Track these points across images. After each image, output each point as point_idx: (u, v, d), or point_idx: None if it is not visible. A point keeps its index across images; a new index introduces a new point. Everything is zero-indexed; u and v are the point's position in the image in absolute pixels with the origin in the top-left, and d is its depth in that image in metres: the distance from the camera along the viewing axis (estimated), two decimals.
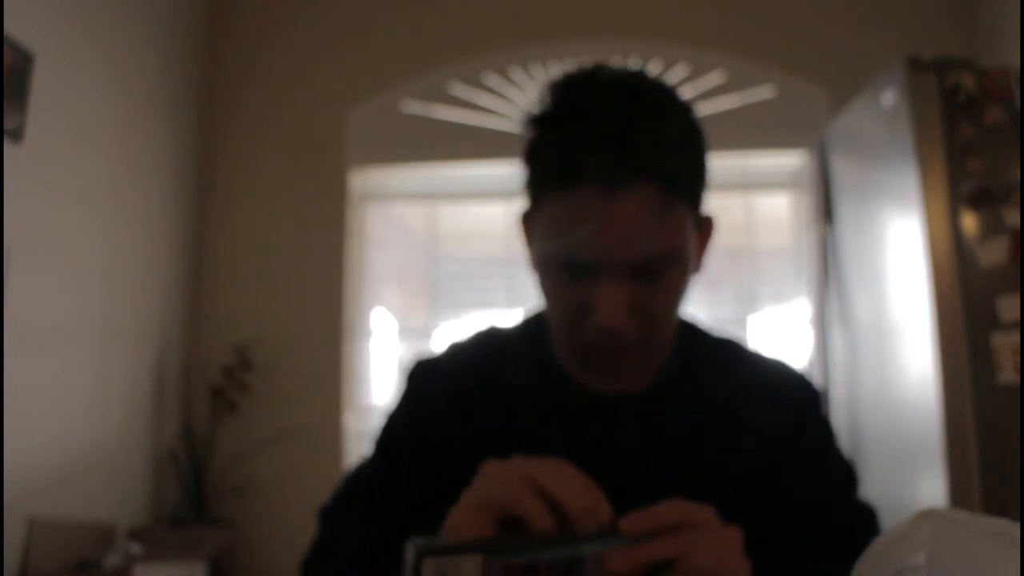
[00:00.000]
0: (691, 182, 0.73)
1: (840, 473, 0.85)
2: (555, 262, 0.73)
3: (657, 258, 0.70)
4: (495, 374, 0.85)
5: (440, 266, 3.04)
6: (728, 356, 0.88)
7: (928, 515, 0.55)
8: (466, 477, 0.74)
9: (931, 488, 1.80)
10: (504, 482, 0.58)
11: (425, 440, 0.82)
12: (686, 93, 0.77)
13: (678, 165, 0.70)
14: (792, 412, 0.85)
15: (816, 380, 0.90)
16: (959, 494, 1.72)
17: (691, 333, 0.88)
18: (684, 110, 0.73)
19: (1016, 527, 0.52)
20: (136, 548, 2.33)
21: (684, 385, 0.83)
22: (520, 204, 0.80)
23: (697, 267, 0.79)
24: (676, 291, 0.75)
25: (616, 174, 0.67)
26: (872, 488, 2.26)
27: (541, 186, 0.72)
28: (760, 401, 0.84)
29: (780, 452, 0.82)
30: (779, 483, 0.81)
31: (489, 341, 0.89)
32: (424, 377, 0.87)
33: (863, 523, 0.83)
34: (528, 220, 0.79)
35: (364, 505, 0.81)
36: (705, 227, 0.80)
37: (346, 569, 0.75)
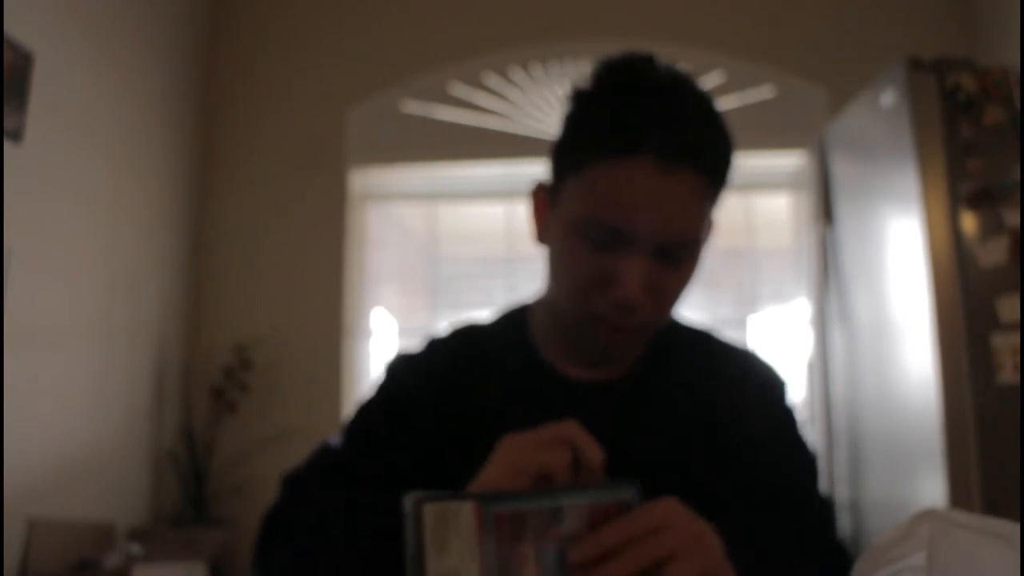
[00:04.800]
0: (723, 182, 0.77)
1: (800, 464, 0.86)
2: (586, 227, 0.73)
3: (685, 244, 0.74)
4: (473, 366, 0.86)
5: (440, 266, 3.04)
6: (700, 346, 0.90)
7: (928, 515, 0.55)
8: (441, 465, 0.77)
9: (931, 488, 1.80)
10: (534, 444, 0.63)
11: (394, 431, 0.84)
12: None
13: (720, 162, 0.75)
14: (757, 401, 0.87)
15: (783, 370, 0.92)
16: (959, 494, 1.72)
17: (667, 323, 0.90)
18: (724, 117, 0.78)
19: (1016, 527, 0.52)
20: (136, 548, 2.33)
21: (658, 374, 0.86)
22: (534, 184, 0.83)
23: (697, 262, 0.82)
24: (688, 279, 0.77)
25: (671, 153, 0.69)
26: (872, 488, 2.27)
27: (586, 153, 0.73)
28: (728, 390, 0.86)
29: (745, 440, 0.83)
30: (742, 471, 0.82)
31: (468, 335, 0.91)
32: (402, 371, 0.89)
33: (819, 515, 0.84)
34: (548, 191, 0.80)
35: (327, 478, 0.82)
36: (708, 228, 0.83)
37: (304, 532, 0.76)
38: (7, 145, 2.10)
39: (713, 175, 0.74)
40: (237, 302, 3.00)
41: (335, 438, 0.87)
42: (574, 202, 0.75)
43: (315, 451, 0.87)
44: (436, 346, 0.90)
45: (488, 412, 0.83)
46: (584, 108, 0.76)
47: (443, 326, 0.93)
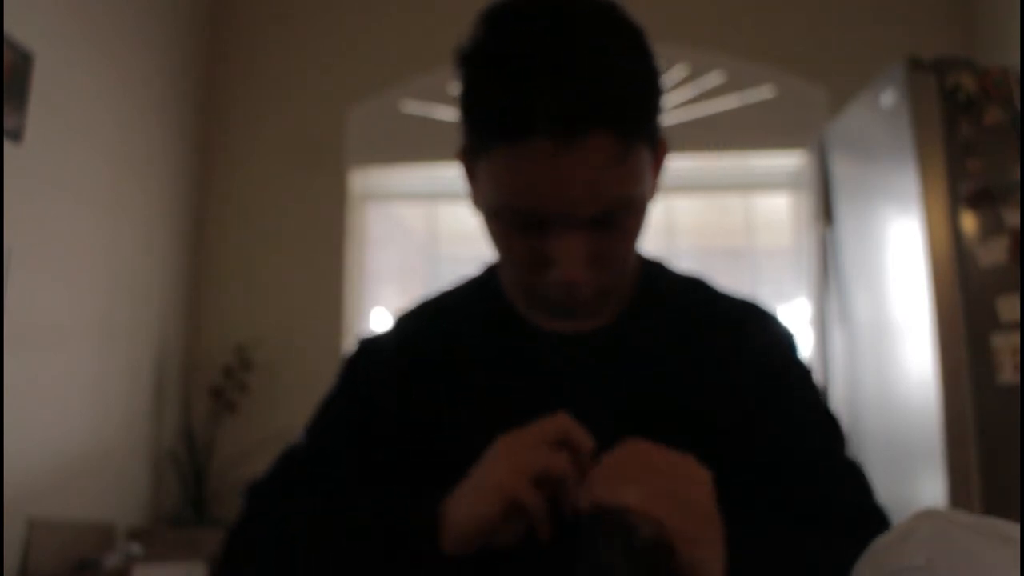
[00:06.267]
0: (648, 118, 0.66)
1: (816, 426, 0.79)
2: (505, 216, 0.68)
3: (616, 206, 0.66)
4: (444, 331, 0.82)
5: (440, 266, 3.04)
6: (694, 293, 0.84)
7: (928, 515, 0.55)
8: (424, 440, 0.74)
9: (931, 488, 1.80)
10: (531, 444, 0.62)
11: (359, 421, 0.80)
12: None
13: (636, 104, 0.64)
14: (766, 354, 0.80)
15: (789, 323, 0.85)
16: (959, 494, 1.72)
17: (655, 271, 0.84)
18: (634, 35, 0.67)
19: (1016, 527, 0.52)
20: (136, 548, 2.33)
21: (646, 320, 0.79)
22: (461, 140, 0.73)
23: (652, 192, 0.73)
24: (635, 233, 0.71)
25: (570, 122, 0.61)
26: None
27: (486, 136, 0.65)
28: (729, 338, 0.79)
29: (753, 392, 0.77)
30: (752, 426, 0.76)
31: (437, 301, 0.87)
32: (361, 358, 0.85)
33: (846, 481, 0.77)
34: (469, 157, 0.71)
35: (290, 487, 0.79)
36: (660, 150, 0.73)
37: (267, 549, 0.74)
38: (7, 145, 2.10)
39: (630, 124, 0.63)
40: (237, 302, 3.00)
41: (298, 441, 0.83)
42: (487, 188, 0.68)
43: (278, 457, 0.83)
44: (403, 320, 0.86)
45: (465, 374, 0.79)
46: (471, 79, 0.66)
47: (410, 301, 0.89)
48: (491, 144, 0.64)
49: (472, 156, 0.70)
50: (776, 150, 2.87)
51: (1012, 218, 1.81)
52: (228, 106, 3.14)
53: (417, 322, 0.85)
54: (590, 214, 0.65)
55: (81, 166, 2.44)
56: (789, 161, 2.87)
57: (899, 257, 1.99)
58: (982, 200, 1.83)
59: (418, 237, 3.15)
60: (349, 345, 0.88)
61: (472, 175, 0.73)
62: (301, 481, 0.79)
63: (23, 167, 2.15)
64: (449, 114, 2.98)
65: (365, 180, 3.09)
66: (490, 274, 0.86)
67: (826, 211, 2.42)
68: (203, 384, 2.87)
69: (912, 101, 1.90)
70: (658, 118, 0.68)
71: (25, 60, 2.17)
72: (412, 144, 3.00)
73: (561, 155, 0.61)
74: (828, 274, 2.43)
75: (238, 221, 3.06)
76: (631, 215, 0.68)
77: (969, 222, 1.84)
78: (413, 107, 3.01)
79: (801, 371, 0.81)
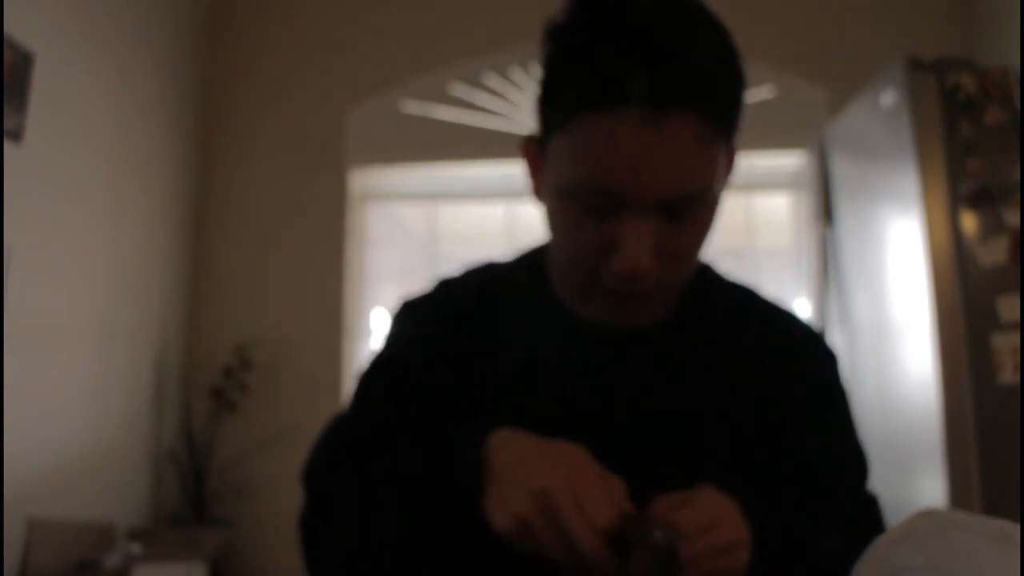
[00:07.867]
0: (733, 111, 0.66)
1: (851, 455, 0.80)
2: (577, 192, 0.65)
3: (693, 196, 0.65)
4: (490, 308, 0.79)
5: (440, 266, 3.04)
6: (742, 300, 0.83)
7: (928, 515, 0.55)
8: (462, 409, 0.72)
9: (931, 488, 1.80)
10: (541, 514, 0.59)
11: (407, 387, 0.77)
12: None
13: (723, 95, 0.64)
14: (810, 373, 0.79)
15: (830, 341, 0.84)
16: (959, 494, 1.72)
17: (704, 272, 0.82)
18: (727, 34, 0.66)
19: (1016, 527, 0.52)
20: (136, 548, 2.33)
21: (695, 323, 0.78)
22: (532, 139, 0.73)
23: (721, 194, 0.72)
24: (704, 231, 0.69)
25: (661, 98, 0.60)
26: (872, 488, 2.25)
27: (570, 107, 0.64)
28: (773, 353, 0.78)
29: (790, 407, 0.77)
30: (787, 439, 0.76)
31: (484, 275, 0.84)
32: (408, 317, 0.82)
33: (862, 509, 0.78)
34: (539, 145, 0.71)
35: (351, 460, 0.75)
36: (731, 155, 0.72)
37: (345, 531, 0.71)
38: (7, 145, 2.10)
39: (719, 111, 0.63)
40: (237, 302, 3.00)
41: (345, 416, 0.79)
42: (561, 164, 0.66)
43: (326, 429, 0.78)
44: (449, 288, 0.83)
45: (508, 360, 0.76)
46: (559, 50, 0.66)
47: (456, 267, 0.85)
48: (576, 113, 0.63)
49: (546, 137, 0.69)
50: (776, 150, 2.87)
51: (1012, 218, 1.81)
52: (228, 106, 3.14)
53: (464, 292, 0.82)
54: (664, 196, 0.63)
55: (81, 166, 2.44)
56: (789, 161, 2.87)
57: (899, 257, 1.99)
58: (982, 200, 1.83)
59: (418, 237, 3.15)
60: (396, 306, 0.84)
61: (539, 164, 0.72)
62: (355, 450, 0.75)
63: (23, 167, 2.15)
64: (449, 114, 2.98)
65: (365, 180, 3.09)
66: (538, 258, 0.83)
67: (826, 211, 2.42)
68: (203, 384, 2.87)
69: (912, 101, 1.90)
70: (738, 118, 0.68)
71: (25, 60, 2.17)
72: (412, 144, 3.00)
73: (646, 129, 0.61)
74: (828, 274, 2.43)
75: (238, 221, 3.06)
76: (703, 209, 0.67)
77: (969, 222, 1.84)
78: (413, 107, 3.01)
79: (841, 397, 0.81)
